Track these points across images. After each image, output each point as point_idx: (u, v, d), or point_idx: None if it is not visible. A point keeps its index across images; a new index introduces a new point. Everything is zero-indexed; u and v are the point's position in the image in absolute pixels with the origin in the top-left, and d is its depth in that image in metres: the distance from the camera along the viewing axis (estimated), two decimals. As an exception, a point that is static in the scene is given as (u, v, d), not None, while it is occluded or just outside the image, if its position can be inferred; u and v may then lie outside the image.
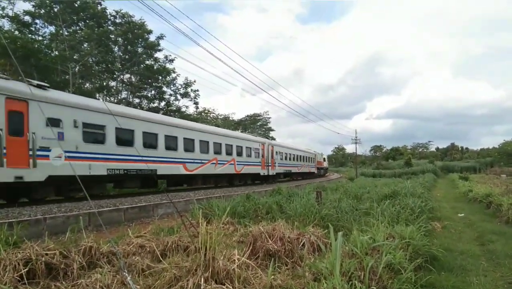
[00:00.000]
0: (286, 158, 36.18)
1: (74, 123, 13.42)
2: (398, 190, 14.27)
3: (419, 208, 9.81)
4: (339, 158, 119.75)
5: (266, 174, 30.03)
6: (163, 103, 39.29)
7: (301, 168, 41.54)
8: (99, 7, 31.43)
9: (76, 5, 29.85)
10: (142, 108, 33.85)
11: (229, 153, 24.13)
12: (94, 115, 14.24)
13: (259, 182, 29.84)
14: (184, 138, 19.53)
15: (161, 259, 5.40)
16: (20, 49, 24.55)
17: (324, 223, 7.90)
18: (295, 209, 9.11)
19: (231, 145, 24.64)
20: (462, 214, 13.11)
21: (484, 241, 8.28)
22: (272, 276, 4.50)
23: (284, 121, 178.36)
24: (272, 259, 5.41)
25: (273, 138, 63.02)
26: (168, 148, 18.19)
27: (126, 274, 3.98)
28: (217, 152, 22.62)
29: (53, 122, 12.80)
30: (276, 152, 32.77)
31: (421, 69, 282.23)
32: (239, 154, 25.61)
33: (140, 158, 15.95)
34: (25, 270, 4.47)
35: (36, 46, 27.04)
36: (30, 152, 11.84)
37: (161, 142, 17.72)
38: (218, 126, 38.09)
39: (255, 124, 72.28)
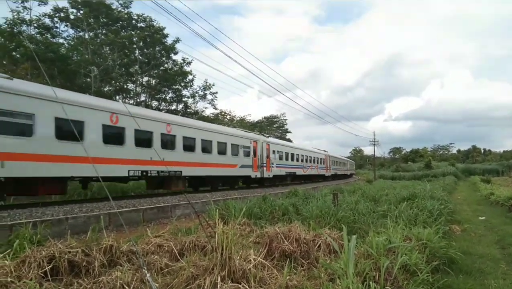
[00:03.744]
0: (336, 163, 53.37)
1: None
2: (417, 192, 14.07)
3: (437, 211, 9.68)
4: (357, 160, 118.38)
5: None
6: (181, 106, 39.82)
7: (347, 170, 62.74)
8: (126, 11, 32.17)
9: (102, 10, 30.58)
10: (160, 110, 34.38)
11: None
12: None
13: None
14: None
15: (179, 258, 5.52)
16: (47, 54, 25.26)
17: (341, 225, 7.89)
18: (311, 211, 9.12)
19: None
20: (483, 217, 12.85)
21: (504, 245, 8.12)
22: (288, 277, 4.54)
23: (301, 123, 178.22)
24: (288, 260, 5.45)
25: (289, 140, 62.76)
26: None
27: (146, 272, 4.10)
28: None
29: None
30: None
31: (441, 71, 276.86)
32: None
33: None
34: (49, 267, 4.62)
35: (64, 51, 27.82)
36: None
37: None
38: (235, 128, 37.97)
39: (272, 125, 72.32)
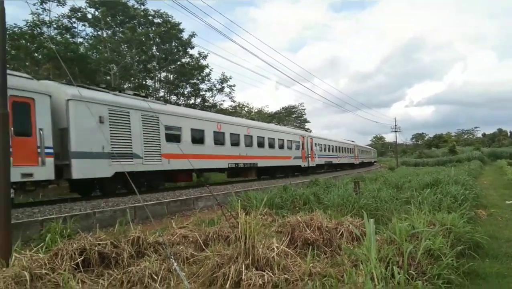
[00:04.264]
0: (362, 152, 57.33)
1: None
2: (441, 178, 13.83)
3: (462, 196, 9.51)
4: (379, 148, 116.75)
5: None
6: (199, 100, 40.10)
7: (370, 158, 65.50)
8: (142, 8, 32.47)
9: (119, 8, 30.91)
10: (179, 105, 34.77)
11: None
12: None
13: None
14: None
15: (203, 248, 5.65)
16: (68, 53, 25.81)
17: (363, 212, 7.85)
18: (333, 200, 9.12)
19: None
20: (510, 201, 12.54)
21: (533, 229, 7.93)
22: (311, 264, 4.59)
23: (320, 112, 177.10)
24: (311, 247, 5.49)
25: (308, 130, 62.46)
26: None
27: (173, 261, 4.23)
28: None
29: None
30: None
31: (463, 53, 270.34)
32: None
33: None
34: (81, 259, 4.81)
35: (83, 50, 28.41)
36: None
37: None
38: (253, 120, 38.62)
39: (290, 116, 72.01)
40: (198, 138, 18.15)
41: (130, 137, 14.11)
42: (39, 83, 12.22)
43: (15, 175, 10.05)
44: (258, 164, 23.24)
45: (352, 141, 53.20)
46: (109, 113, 13.35)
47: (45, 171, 11.21)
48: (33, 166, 10.93)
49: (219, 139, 19.78)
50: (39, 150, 11.16)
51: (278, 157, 26.30)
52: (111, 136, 13.34)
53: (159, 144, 15.50)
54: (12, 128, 9.72)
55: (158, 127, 15.43)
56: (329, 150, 38.14)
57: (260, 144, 24.04)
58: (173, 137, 16.30)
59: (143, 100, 15.44)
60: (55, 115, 11.93)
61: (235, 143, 21.22)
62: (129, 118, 14.12)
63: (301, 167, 30.08)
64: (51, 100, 11.75)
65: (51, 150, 11.53)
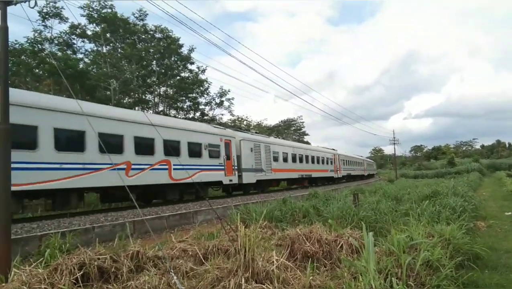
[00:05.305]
0: (368, 165, 65.08)
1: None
2: (440, 190, 13.85)
3: (461, 207, 9.52)
4: (378, 160, 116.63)
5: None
6: (198, 114, 40.27)
7: (373, 171, 71.00)
8: (141, 23, 32.87)
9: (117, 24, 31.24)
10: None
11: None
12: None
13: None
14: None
15: (203, 261, 5.64)
16: (69, 69, 26.01)
17: (362, 225, 7.84)
18: (332, 212, 9.11)
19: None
20: (509, 213, 12.54)
21: (532, 240, 7.92)
22: (311, 277, 4.58)
23: (319, 125, 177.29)
24: (310, 260, 5.49)
25: (308, 142, 62.50)
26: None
27: (173, 275, 4.23)
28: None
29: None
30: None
31: (460, 65, 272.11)
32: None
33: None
34: (80, 273, 4.79)
35: (83, 67, 28.64)
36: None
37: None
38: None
39: (289, 129, 72.12)
40: (285, 158, 28.10)
41: (261, 159, 23.97)
42: (229, 131, 22.44)
43: (227, 180, 20.03)
44: (312, 175, 33.19)
45: (361, 156, 63.86)
46: (254, 145, 23.54)
47: (235, 178, 20.96)
48: (232, 176, 20.63)
49: (294, 158, 29.71)
50: (233, 167, 20.86)
51: (322, 170, 36.43)
52: (254, 159, 23.20)
53: (271, 163, 25.38)
54: (225, 155, 20.06)
55: (270, 152, 25.53)
56: (348, 164, 48.45)
57: (312, 161, 33.92)
58: (275, 158, 26.38)
59: (261, 136, 28.03)
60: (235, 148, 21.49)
61: (300, 161, 30.97)
62: (260, 148, 24.26)
63: (334, 177, 40.02)
64: (235, 140, 21.53)
65: (236, 167, 21.18)
